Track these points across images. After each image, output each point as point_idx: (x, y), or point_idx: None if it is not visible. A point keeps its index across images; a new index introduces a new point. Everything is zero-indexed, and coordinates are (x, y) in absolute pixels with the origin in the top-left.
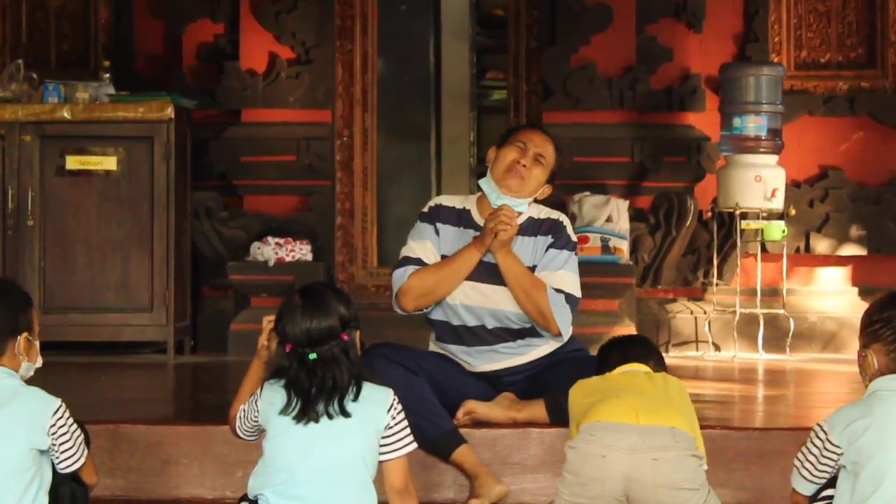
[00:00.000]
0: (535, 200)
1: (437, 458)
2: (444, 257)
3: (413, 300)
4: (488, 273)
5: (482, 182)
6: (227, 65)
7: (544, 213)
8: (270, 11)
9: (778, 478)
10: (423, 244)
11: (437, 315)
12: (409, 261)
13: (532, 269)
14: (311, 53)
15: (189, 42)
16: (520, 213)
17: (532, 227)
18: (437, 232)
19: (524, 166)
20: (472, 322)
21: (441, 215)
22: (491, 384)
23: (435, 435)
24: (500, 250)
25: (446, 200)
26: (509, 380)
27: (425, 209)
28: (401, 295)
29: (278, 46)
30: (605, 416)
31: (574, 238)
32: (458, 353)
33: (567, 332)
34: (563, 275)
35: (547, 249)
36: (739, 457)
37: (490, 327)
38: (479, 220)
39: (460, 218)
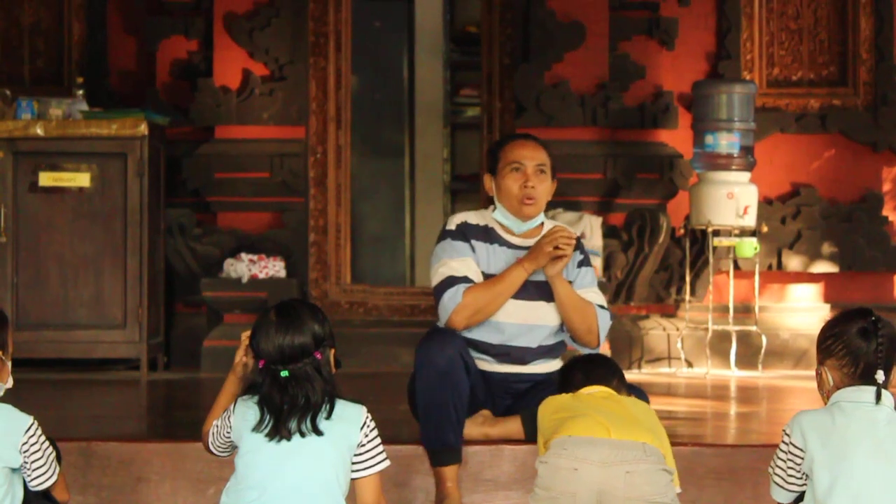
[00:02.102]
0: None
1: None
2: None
3: (467, 318)
4: (528, 290)
5: (497, 215)
6: (201, 81)
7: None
8: (244, 28)
9: (749, 494)
10: (465, 262)
11: (475, 335)
12: (456, 280)
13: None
14: (285, 70)
15: (163, 59)
16: (542, 224)
17: None
18: (473, 249)
19: (532, 188)
20: (514, 342)
21: (471, 232)
22: (499, 386)
23: (448, 445)
24: (557, 276)
25: (468, 218)
26: (515, 387)
27: (451, 227)
28: (455, 314)
29: (252, 63)
30: (576, 431)
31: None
32: (484, 358)
33: (602, 341)
34: (595, 292)
35: (578, 266)
36: (711, 473)
37: (532, 346)
38: (510, 238)
39: (488, 235)
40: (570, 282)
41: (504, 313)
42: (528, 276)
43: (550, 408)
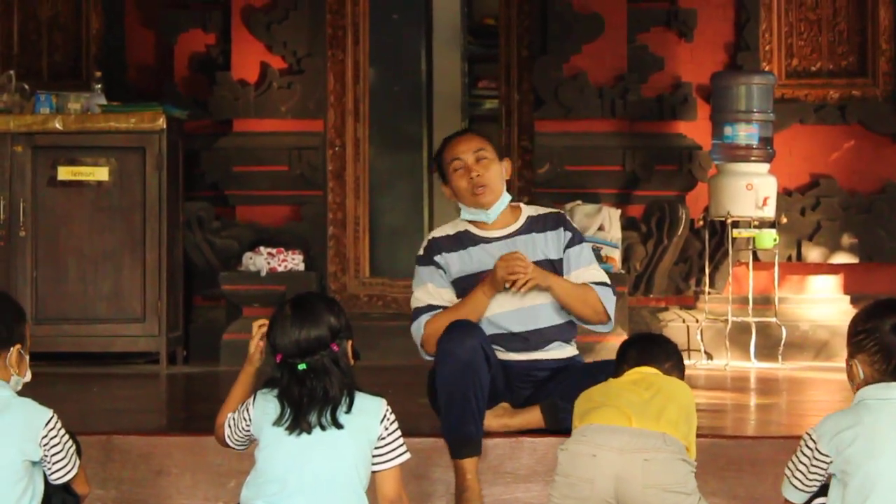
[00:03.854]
0: (509, 189)
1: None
2: (458, 279)
3: (435, 346)
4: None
5: (463, 215)
6: (219, 75)
7: (539, 210)
8: (262, 21)
9: (770, 486)
10: (426, 289)
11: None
12: (419, 311)
13: (554, 262)
14: (303, 63)
15: (181, 52)
16: (515, 221)
17: (536, 224)
18: (438, 266)
19: (478, 175)
20: (516, 328)
21: (440, 247)
22: (518, 376)
23: (469, 437)
24: (541, 283)
25: (437, 233)
26: (535, 375)
27: (420, 251)
28: (424, 345)
29: (270, 56)
30: (597, 420)
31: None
32: (499, 349)
33: (613, 316)
34: (594, 269)
35: (565, 249)
36: (731, 465)
37: (541, 326)
38: (486, 234)
39: (460, 241)
40: (559, 260)
41: (496, 305)
42: (491, 298)
43: (583, 399)
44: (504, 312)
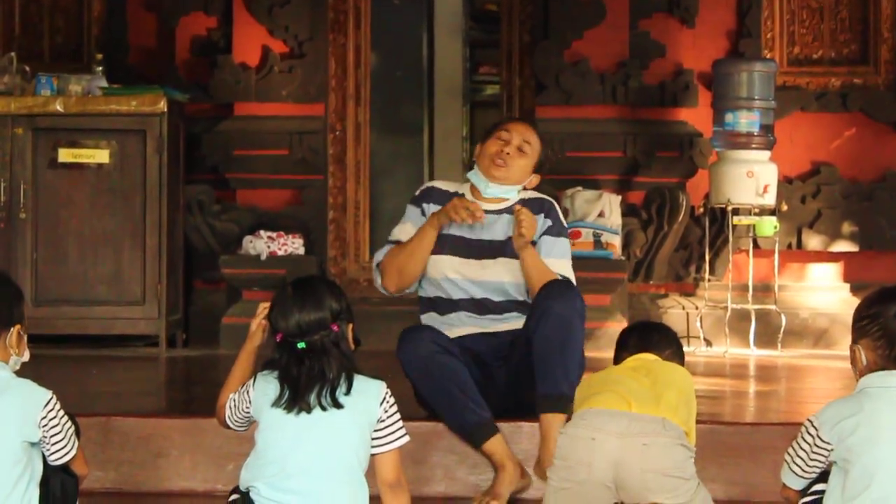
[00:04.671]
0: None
1: (467, 445)
2: (438, 237)
3: (391, 278)
4: (481, 249)
5: (471, 174)
6: (220, 58)
7: (533, 195)
8: (263, 5)
9: (768, 473)
10: (404, 227)
11: (432, 293)
12: (387, 243)
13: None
14: (304, 47)
15: (182, 35)
16: (507, 200)
17: (524, 205)
18: (423, 213)
19: (507, 154)
20: (476, 294)
21: (432, 197)
22: (487, 353)
23: (473, 424)
24: (523, 249)
25: (440, 184)
26: (499, 349)
27: (417, 192)
28: (380, 276)
29: (271, 40)
30: (597, 404)
31: (565, 222)
32: (460, 320)
33: None
34: (565, 264)
35: (542, 235)
36: (730, 452)
37: (495, 298)
38: (475, 202)
39: (452, 199)
40: (534, 244)
41: (450, 268)
42: (437, 231)
43: (582, 387)
44: (469, 280)
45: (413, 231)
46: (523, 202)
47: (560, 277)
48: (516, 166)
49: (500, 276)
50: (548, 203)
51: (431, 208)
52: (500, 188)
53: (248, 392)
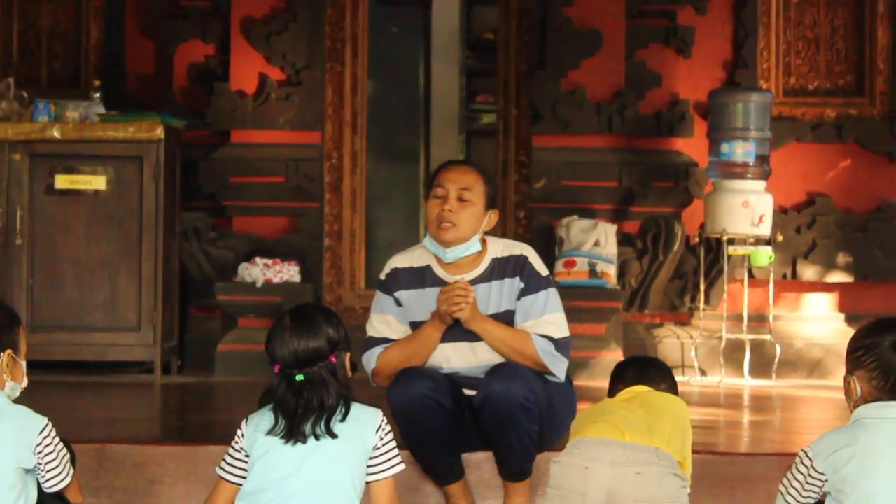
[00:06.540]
0: (487, 232)
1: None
2: (413, 324)
3: (386, 380)
4: (465, 332)
5: (427, 242)
6: (218, 85)
7: (506, 249)
8: (261, 33)
9: (762, 503)
10: (385, 319)
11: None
12: (373, 342)
13: (508, 313)
14: (302, 75)
15: (180, 62)
16: (478, 255)
17: (499, 270)
18: (397, 302)
19: (449, 211)
20: (466, 373)
21: (399, 281)
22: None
23: (437, 471)
24: (471, 322)
25: (401, 262)
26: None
27: (382, 276)
28: (373, 377)
29: (268, 68)
30: (590, 433)
31: (544, 271)
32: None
33: (563, 376)
34: (546, 320)
35: (519, 297)
36: (724, 482)
37: (482, 376)
38: (444, 275)
39: (421, 278)
40: (513, 311)
41: (443, 359)
42: (442, 332)
43: (578, 419)
44: (460, 368)
45: (396, 324)
46: (495, 263)
47: (541, 336)
48: (463, 220)
49: (490, 359)
50: (520, 261)
51: (404, 295)
52: (457, 249)
53: (240, 437)
